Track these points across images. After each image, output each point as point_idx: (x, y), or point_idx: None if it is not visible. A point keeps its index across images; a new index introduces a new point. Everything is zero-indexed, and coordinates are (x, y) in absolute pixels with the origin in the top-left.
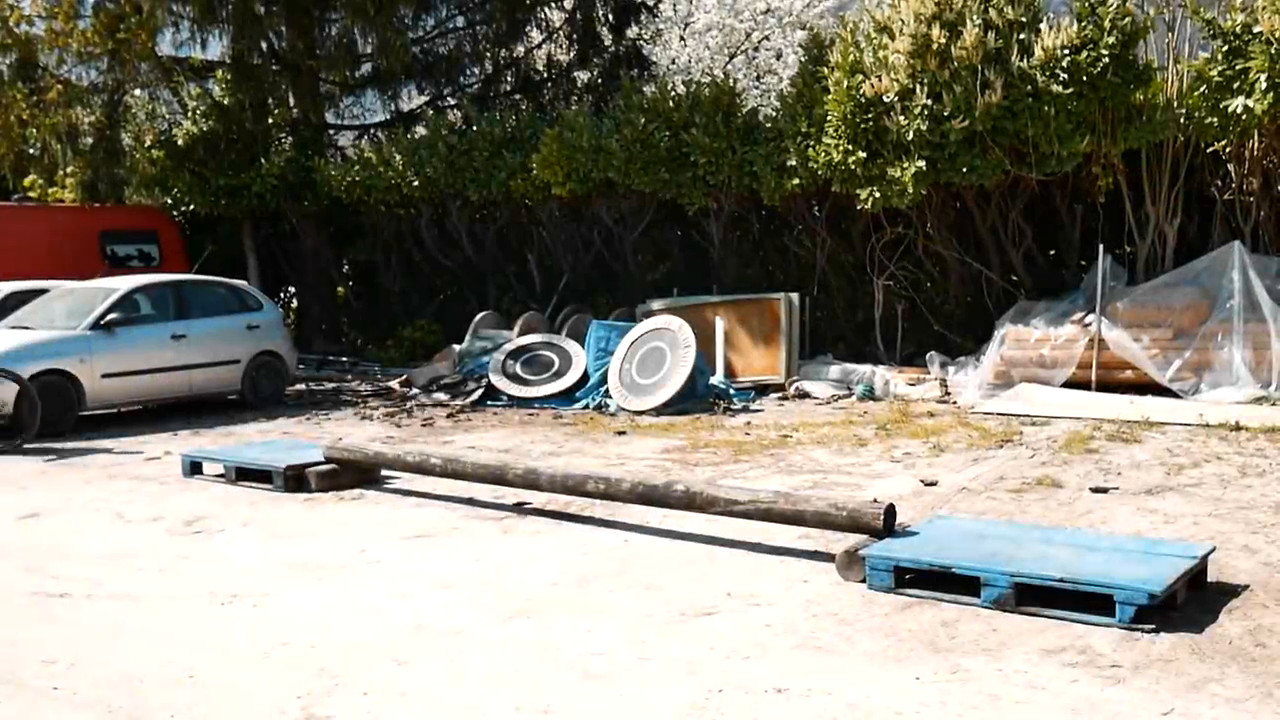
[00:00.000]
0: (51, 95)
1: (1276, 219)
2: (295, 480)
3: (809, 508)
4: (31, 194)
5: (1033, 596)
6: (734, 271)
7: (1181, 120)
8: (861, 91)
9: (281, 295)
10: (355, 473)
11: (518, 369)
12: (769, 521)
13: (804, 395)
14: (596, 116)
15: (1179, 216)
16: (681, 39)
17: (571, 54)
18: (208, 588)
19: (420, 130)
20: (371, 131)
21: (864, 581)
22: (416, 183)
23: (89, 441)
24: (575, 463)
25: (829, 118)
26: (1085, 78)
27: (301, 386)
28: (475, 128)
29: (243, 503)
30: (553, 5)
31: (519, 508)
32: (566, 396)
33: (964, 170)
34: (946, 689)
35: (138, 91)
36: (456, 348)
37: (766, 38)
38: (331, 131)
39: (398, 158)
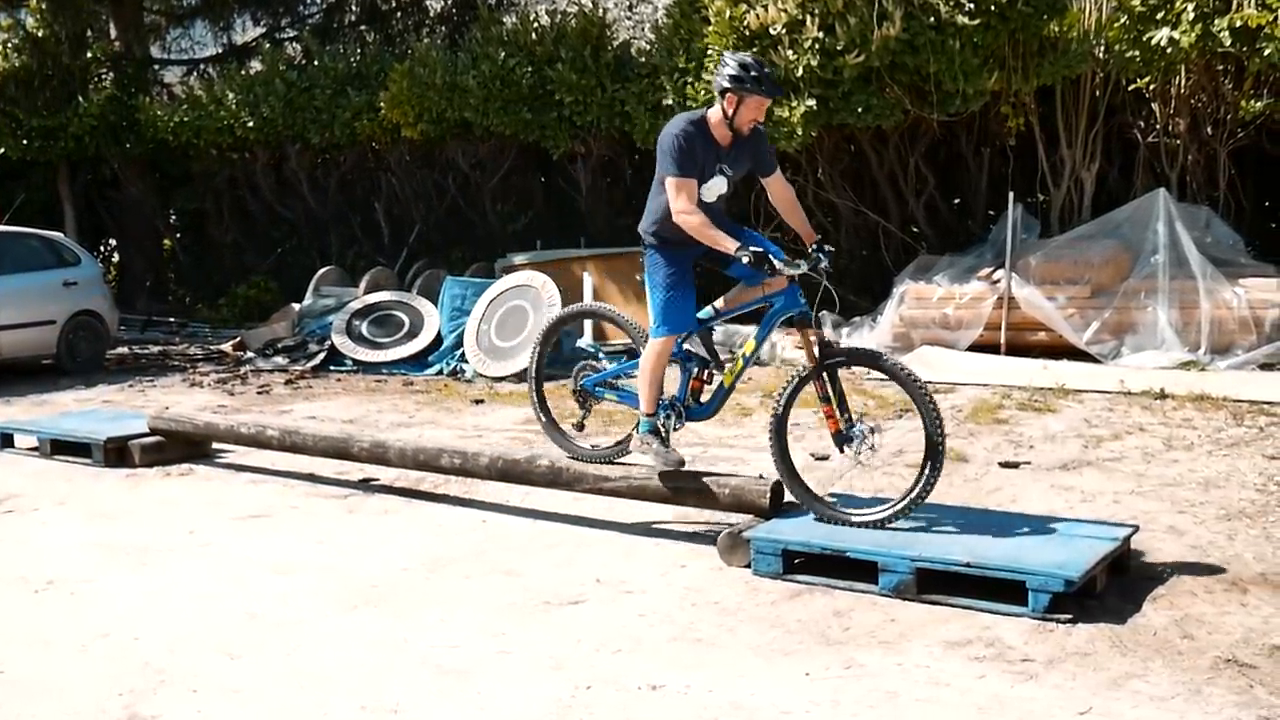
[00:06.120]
0: None
1: (1205, 164)
2: (117, 454)
3: (687, 485)
4: None
5: (936, 583)
6: (604, 222)
7: (1100, 54)
8: (745, 23)
9: (102, 248)
10: (184, 445)
11: (364, 330)
12: (643, 500)
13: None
14: (451, 50)
15: (1097, 161)
16: None
17: None
18: (19, 573)
19: (256, 66)
20: (201, 67)
21: (748, 566)
22: (251, 124)
23: None
24: (428, 435)
25: (709, 52)
26: (993, 7)
27: (124, 350)
28: (316, 63)
29: (59, 479)
30: None
31: (365, 485)
32: (418, 361)
33: (859, 110)
34: (840, 686)
35: None
36: (296, 307)
37: None
38: (157, 67)
39: (230, 96)
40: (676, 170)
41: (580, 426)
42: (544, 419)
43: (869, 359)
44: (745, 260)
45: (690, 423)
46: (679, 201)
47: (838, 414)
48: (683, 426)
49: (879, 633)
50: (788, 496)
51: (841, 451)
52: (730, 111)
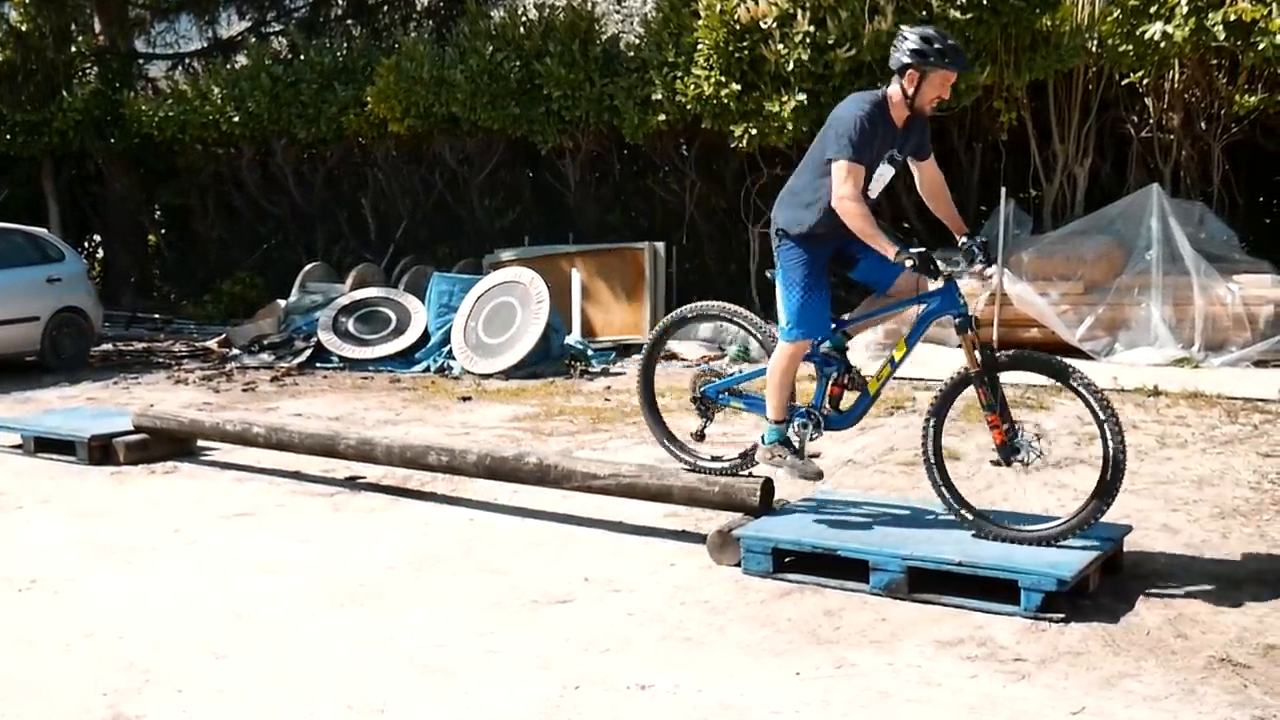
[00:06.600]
0: None
1: (1199, 160)
2: (101, 452)
3: (676, 482)
4: None
5: (927, 582)
6: (593, 218)
7: (1093, 48)
8: (736, 17)
9: (86, 244)
10: (168, 443)
11: (350, 327)
12: (631, 498)
13: (671, 356)
14: (438, 45)
15: (1090, 156)
16: None
17: None
18: (3, 572)
19: (241, 60)
20: (187, 61)
21: (738, 565)
22: (237, 119)
23: None
24: (415, 432)
25: (699, 46)
26: (985, 1)
27: (108, 347)
28: (303, 57)
29: (42, 477)
30: None
31: (352, 482)
32: (405, 358)
33: None
34: (830, 685)
35: None
36: (282, 303)
37: None
38: (142, 61)
39: (216, 91)
40: (852, 153)
41: (700, 436)
42: (656, 426)
43: (1041, 365)
44: (909, 264)
45: (829, 432)
46: (845, 186)
47: (1002, 423)
48: (820, 436)
49: (870, 632)
50: (778, 495)
51: (1008, 464)
52: (911, 90)
